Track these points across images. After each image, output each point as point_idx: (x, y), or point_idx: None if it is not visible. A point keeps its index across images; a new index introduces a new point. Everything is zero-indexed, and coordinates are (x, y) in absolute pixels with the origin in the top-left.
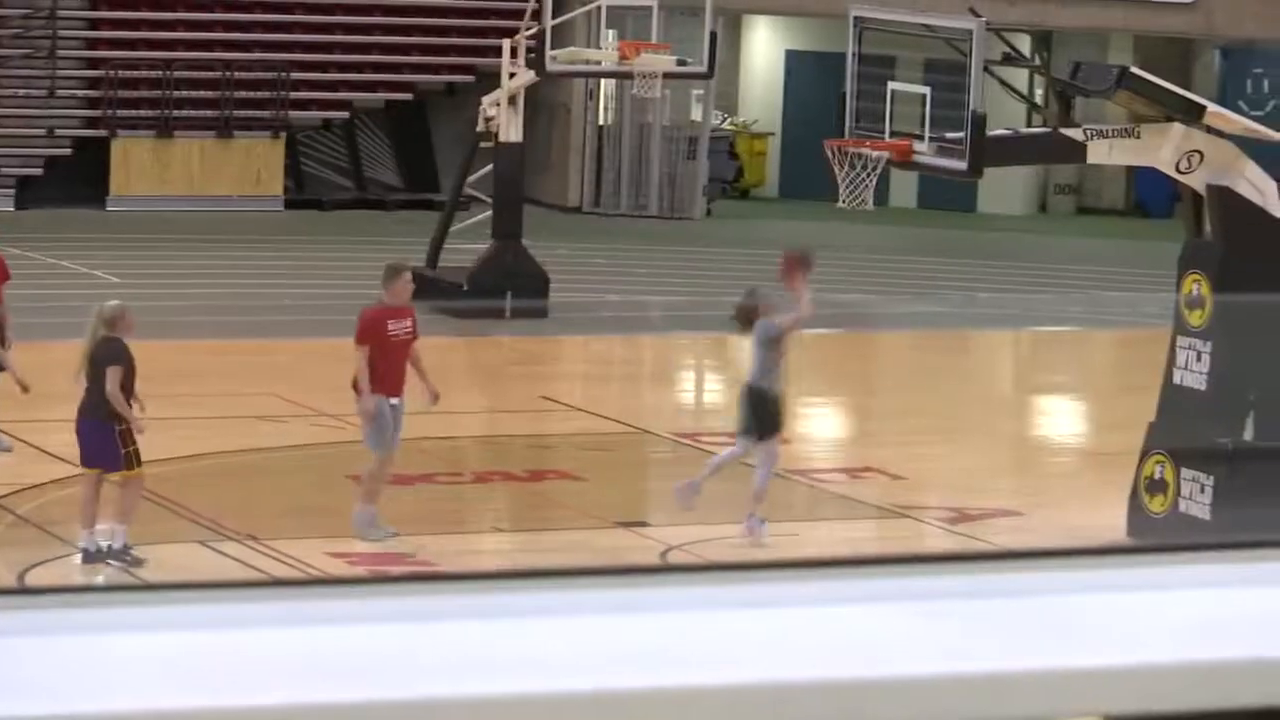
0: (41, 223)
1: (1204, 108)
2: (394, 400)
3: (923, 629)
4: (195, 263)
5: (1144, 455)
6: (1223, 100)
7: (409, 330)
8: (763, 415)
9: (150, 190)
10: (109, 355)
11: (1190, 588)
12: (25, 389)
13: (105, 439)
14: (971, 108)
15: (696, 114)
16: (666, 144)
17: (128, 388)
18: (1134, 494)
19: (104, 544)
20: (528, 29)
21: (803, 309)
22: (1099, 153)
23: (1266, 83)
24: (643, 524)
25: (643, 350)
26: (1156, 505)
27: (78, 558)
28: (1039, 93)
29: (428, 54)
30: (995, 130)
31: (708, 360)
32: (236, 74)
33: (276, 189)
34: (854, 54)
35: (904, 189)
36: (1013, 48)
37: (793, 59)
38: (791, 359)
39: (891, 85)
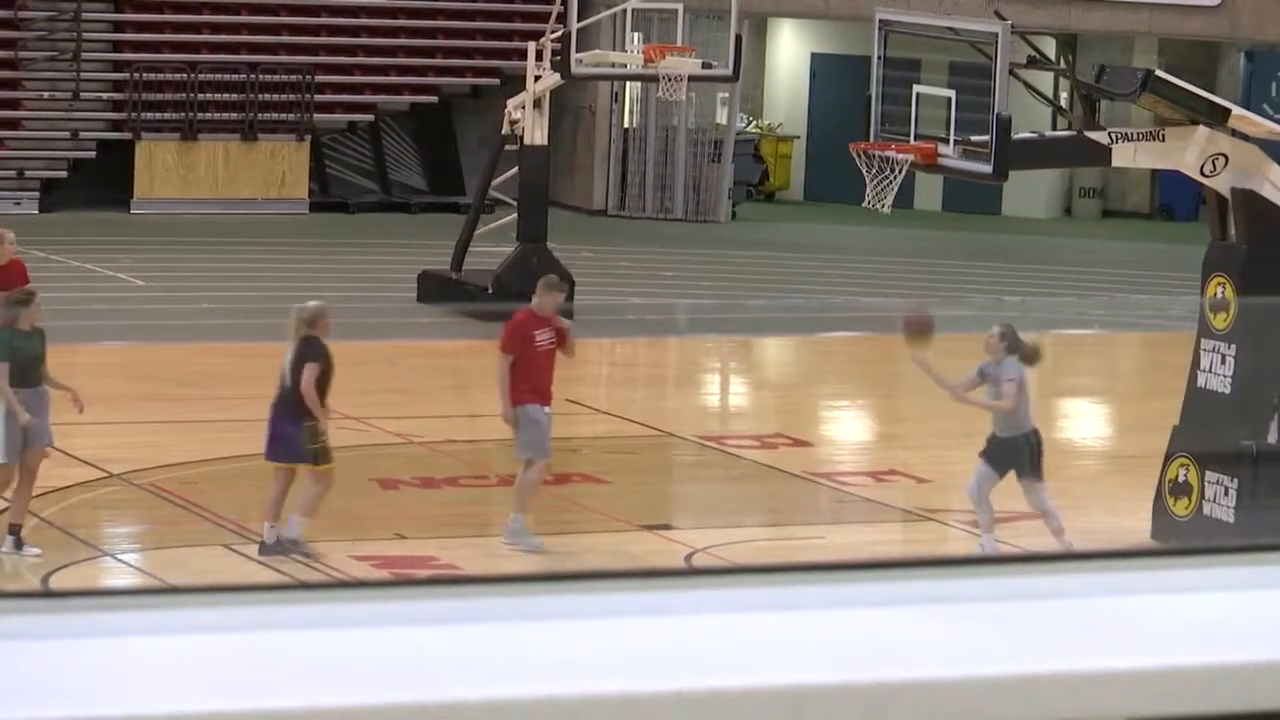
0: (66, 226)
1: (1229, 111)
2: (546, 408)
3: (947, 632)
4: (220, 265)
5: (1168, 458)
6: (1247, 104)
7: (553, 340)
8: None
9: (175, 193)
10: (307, 354)
11: (1214, 590)
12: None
13: (294, 434)
14: (996, 111)
15: (722, 117)
16: (691, 147)
17: (323, 388)
18: (1158, 497)
19: (280, 537)
20: (553, 32)
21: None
22: (1124, 156)
23: None
24: (667, 527)
25: (667, 353)
26: (1181, 508)
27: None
28: (1064, 96)
29: (453, 57)
30: (1020, 133)
31: (733, 363)
32: (261, 77)
33: (301, 192)
34: (879, 57)
35: (929, 192)
36: (1037, 51)
37: (818, 62)
38: (820, 361)
39: (917, 88)
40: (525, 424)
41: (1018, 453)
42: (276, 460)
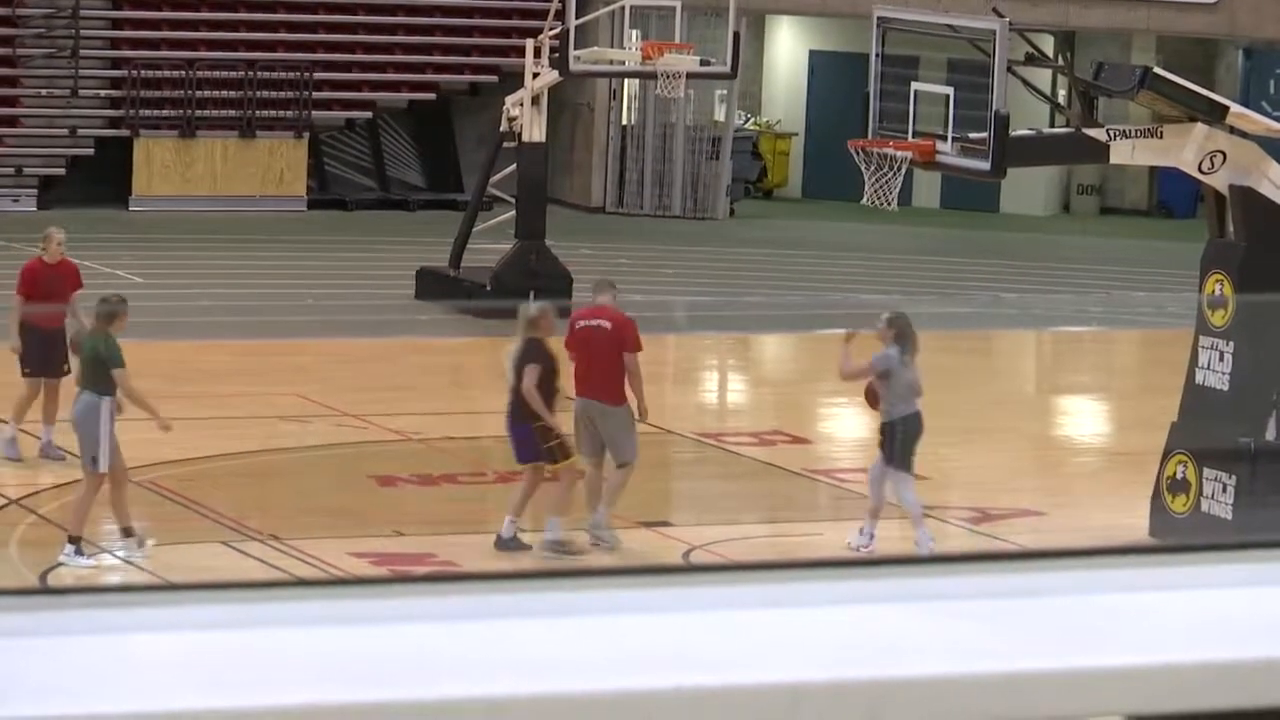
0: (64, 223)
1: (1227, 108)
2: None
3: (944, 629)
4: (218, 263)
5: (1166, 455)
6: (1245, 101)
7: None
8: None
9: (173, 190)
10: (528, 356)
11: (1212, 588)
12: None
13: (527, 436)
14: (994, 108)
15: (720, 114)
16: (690, 144)
17: (547, 386)
18: (1156, 494)
19: (513, 532)
20: (551, 29)
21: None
22: (1122, 153)
23: None
24: (665, 524)
25: (666, 350)
26: (1179, 505)
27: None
28: (1062, 93)
29: (451, 54)
30: (1018, 130)
31: (731, 360)
32: (259, 74)
33: (299, 189)
34: (877, 54)
35: (927, 189)
36: (1035, 48)
37: (816, 59)
38: (818, 358)
39: (915, 85)
40: (635, 423)
41: (887, 438)
42: (522, 462)
